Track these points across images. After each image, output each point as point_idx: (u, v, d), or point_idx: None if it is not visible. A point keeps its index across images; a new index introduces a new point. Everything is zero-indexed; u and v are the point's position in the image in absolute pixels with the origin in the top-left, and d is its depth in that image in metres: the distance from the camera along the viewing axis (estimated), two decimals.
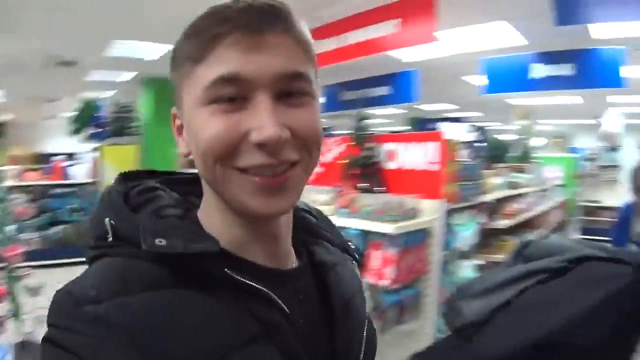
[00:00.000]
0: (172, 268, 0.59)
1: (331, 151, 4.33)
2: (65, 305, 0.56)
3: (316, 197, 3.76)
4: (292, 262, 0.73)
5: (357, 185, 3.86)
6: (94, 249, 0.64)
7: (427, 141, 4.16)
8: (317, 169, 4.67)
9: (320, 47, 4.16)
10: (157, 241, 0.58)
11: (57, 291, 0.59)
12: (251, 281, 0.62)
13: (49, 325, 0.57)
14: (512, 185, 5.11)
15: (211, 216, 0.67)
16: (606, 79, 5.02)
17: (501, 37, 5.19)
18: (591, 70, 5.12)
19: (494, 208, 4.53)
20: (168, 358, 0.55)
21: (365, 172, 3.97)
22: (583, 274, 1.59)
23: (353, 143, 4.25)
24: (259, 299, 0.62)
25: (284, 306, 0.64)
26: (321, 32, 4.22)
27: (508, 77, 5.71)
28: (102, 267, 0.61)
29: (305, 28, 0.63)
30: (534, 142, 8.73)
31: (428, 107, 11.13)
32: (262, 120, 0.57)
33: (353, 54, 4.05)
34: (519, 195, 5.26)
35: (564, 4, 2.79)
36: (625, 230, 2.69)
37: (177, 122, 0.69)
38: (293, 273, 0.71)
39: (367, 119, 4.22)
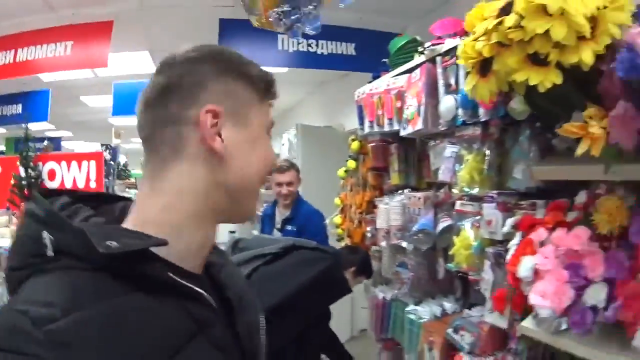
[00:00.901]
0: (115, 275, 0.59)
1: None
2: (22, 327, 0.52)
3: None
4: None
5: None
6: (25, 268, 0.61)
7: (88, 160, 4.42)
8: None
9: None
10: (109, 243, 0.57)
11: (5, 311, 0.57)
12: (189, 283, 0.66)
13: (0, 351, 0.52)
14: None
15: (181, 225, 0.69)
16: None
17: (138, 65, 5.62)
18: None
19: None
20: None
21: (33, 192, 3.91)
22: (297, 257, 2.09)
23: (18, 163, 4.09)
24: (194, 299, 0.67)
25: (213, 303, 0.71)
26: None
27: (134, 100, 6.21)
28: (45, 284, 0.58)
29: None
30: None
31: (33, 127, 10.39)
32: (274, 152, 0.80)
33: (25, 71, 3.85)
34: None
35: None
36: (271, 222, 3.66)
37: (217, 119, 0.69)
38: (202, 275, 0.76)
39: (30, 138, 4.13)
